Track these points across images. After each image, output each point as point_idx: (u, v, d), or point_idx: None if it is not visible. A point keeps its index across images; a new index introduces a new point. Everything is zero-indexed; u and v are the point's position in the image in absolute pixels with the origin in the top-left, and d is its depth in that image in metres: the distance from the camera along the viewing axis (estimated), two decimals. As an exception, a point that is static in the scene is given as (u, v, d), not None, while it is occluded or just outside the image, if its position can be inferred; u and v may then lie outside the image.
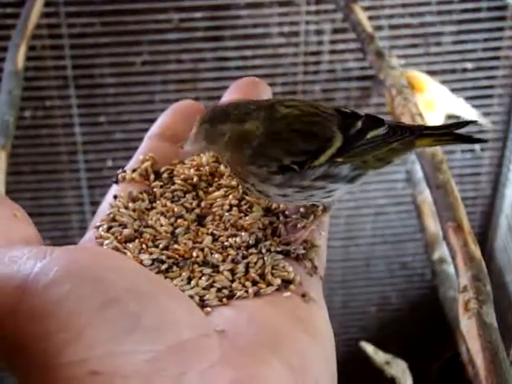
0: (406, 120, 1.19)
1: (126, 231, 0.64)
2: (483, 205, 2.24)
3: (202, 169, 0.70)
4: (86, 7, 1.88)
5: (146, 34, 1.93)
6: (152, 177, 0.70)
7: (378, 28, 1.93)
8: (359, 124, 0.67)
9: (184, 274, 0.60)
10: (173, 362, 0.43)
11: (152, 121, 2.21)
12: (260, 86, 0.75)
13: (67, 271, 0.44)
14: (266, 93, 0.75)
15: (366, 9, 1.86)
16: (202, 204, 0.67)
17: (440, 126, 0.73)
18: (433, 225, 1.66)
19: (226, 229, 0.64)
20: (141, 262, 0.60)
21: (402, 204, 2.18)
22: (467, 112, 1.93)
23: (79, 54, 1.92)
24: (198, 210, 0.67)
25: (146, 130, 2.17)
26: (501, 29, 2.00)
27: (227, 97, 0.74)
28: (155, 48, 1.95)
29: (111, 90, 1.98)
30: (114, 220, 0.65)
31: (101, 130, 2.02)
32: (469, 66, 2.03)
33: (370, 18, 1.81)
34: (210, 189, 0.69)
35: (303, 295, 0.57)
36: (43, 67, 1.93)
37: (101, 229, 0.64)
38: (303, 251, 0.62)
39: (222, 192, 0.69)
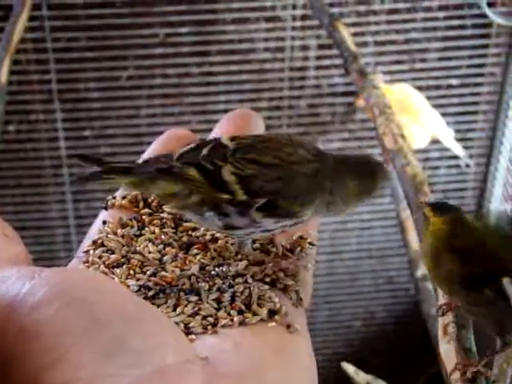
0: (388, 140, 1.20)
1: (114, 256, 0.64)
2: (468, 220, 2.24)
3: None
4: (70, 22, 1.87)
5: (132, 49, 1.93)
6: (141, 204, 0.70)
7: (364, 44, 1.94)
8: None
9: (170, 301, 0.60)
10: None
11: (137, 135, 2.19)
12: (252, 118, 0.74)
13: (55, 292, 0.44)
14: (258, 125, 0.74)
15: (352, 25, 1.86)
16: (190, 232, 0.68)
17: None
18: (416, 241, 1.66)
19: (213, 258, 0.65)
20: (127, 288, 0.60)
21: (387, 219, 2.19)
22: (451, 144, 1.94)
23: (64, 68, 1.92)
24: (185, 238, 0.67)
25: (131, 145, 2.15)
26: (485, 46, 2.01)
27: (219, 129, 0.73)
28: (141, 63, 1.95)
29: (96, 105, 1.98)
30: (102, 245, 0.66)
31: (86, 144, 2.02)
32: (454, 82, 2.05)
33: (356, 34, 1.82)
34: (199, 217, 0.69)
35: (288, 326, 0.57)
36: (28, 81, 1.93)
37: (89, 253, 0.65)
38: (289, 282, 0.63)
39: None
